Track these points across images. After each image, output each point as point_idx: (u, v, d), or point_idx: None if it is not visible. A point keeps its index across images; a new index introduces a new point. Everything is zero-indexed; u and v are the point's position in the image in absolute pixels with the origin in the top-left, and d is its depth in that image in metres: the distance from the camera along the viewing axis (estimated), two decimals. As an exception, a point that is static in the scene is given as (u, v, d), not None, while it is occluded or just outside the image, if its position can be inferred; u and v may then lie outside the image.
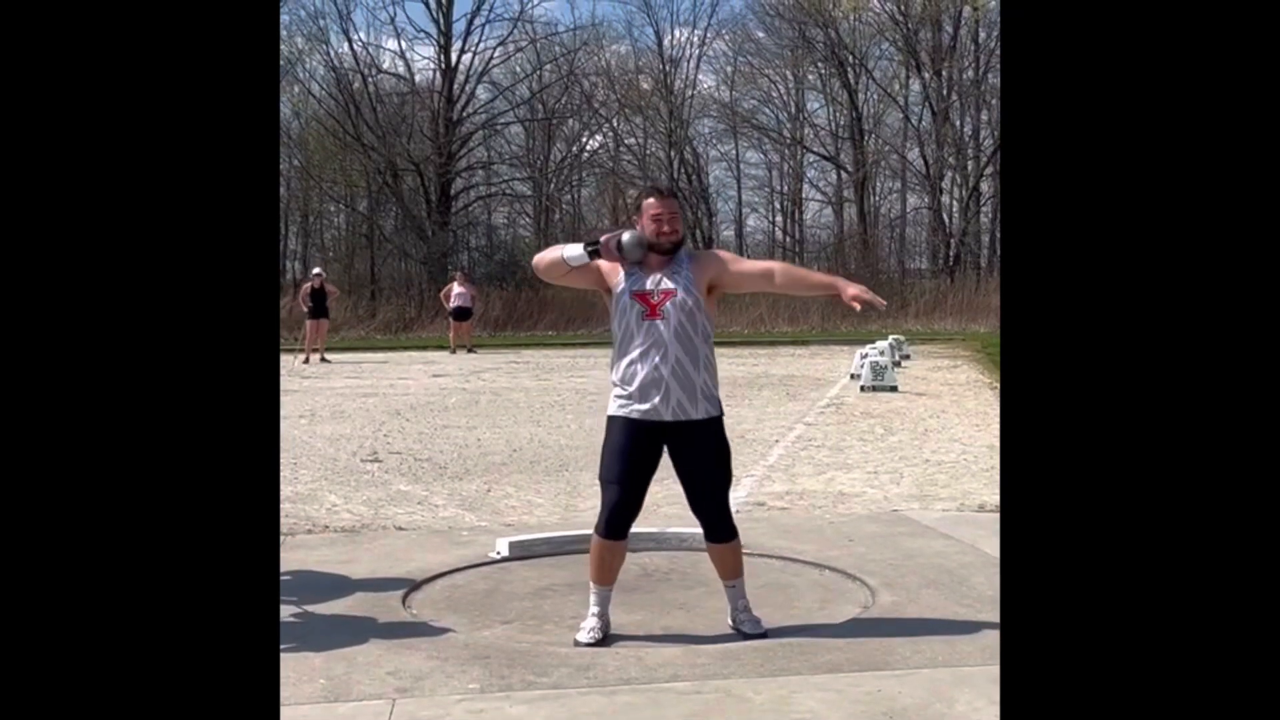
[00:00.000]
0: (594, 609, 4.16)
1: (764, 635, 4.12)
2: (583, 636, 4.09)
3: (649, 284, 4.03)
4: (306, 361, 19.20)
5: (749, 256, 39.71)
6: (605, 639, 4.09)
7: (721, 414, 4.15)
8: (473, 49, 34.36)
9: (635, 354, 4.02)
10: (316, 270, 21.72)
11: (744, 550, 5.38)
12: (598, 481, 4.19)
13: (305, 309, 19.97)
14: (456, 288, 22.63)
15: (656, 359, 3.99)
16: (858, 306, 3.94)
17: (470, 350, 22.32)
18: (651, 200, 4.12)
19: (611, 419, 4.11)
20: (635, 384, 4.02)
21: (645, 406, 4.01)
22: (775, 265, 4.41)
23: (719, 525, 4.17)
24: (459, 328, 22.66)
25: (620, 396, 4.08)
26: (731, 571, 4.23)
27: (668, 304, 4.00)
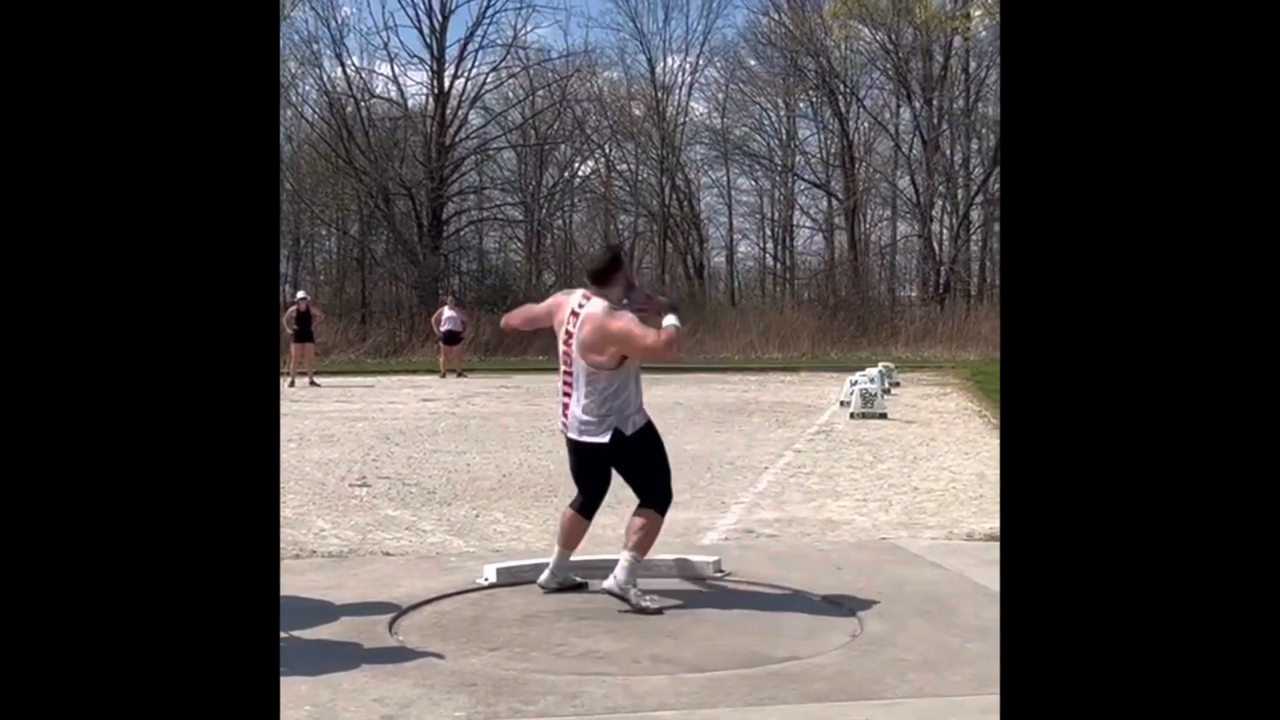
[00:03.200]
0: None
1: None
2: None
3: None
4: (292, 385, 19.13)
5: (740, 285, 39.82)
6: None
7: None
8: (465, 74, 34.51)
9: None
10: (301, 294, 21.66)
11: (733, 577, 5.41)
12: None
13: (290, 332, 19.89)
14: (446, 311, 22.63)
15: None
16: None
17: (460, 375, 22.30)
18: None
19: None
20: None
21: None
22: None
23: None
24: (449, 352, 22.65)
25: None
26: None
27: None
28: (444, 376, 22.03)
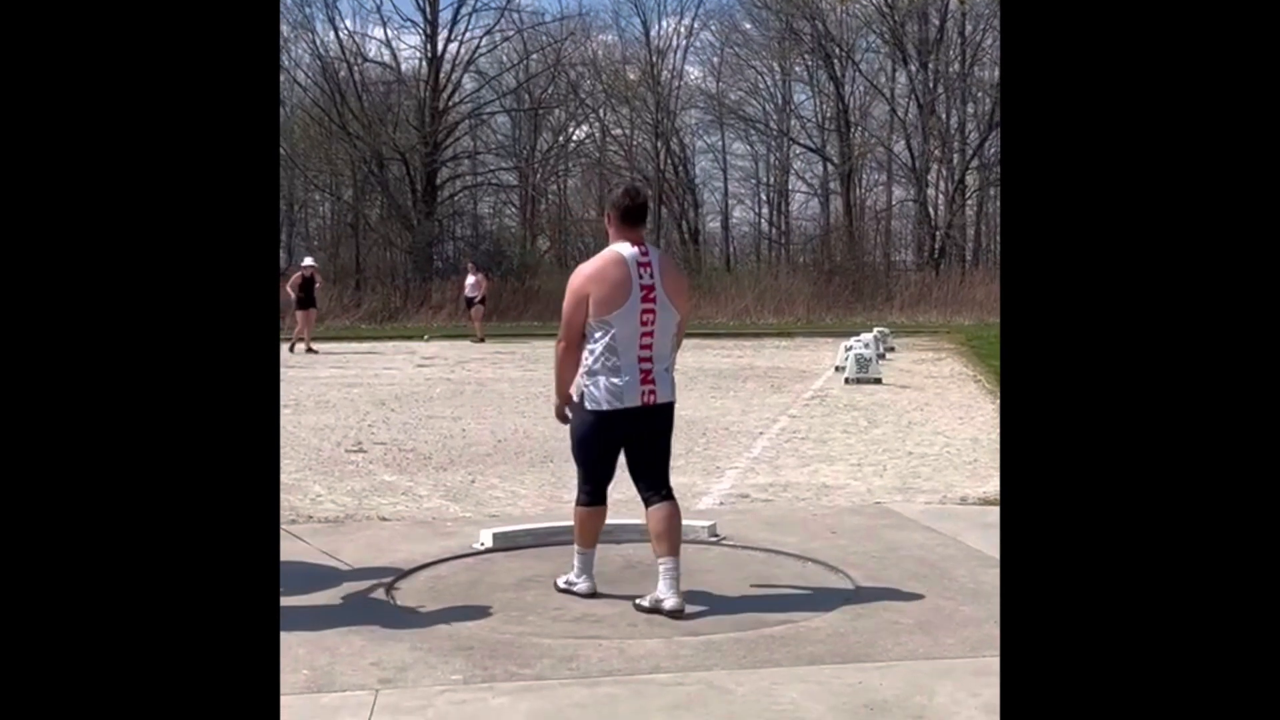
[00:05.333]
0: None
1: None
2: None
3: None
4: (292, 350, 19.10)
5: (735, 250, 39.74)
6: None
7: (581, 401, 4.37)
8: (459, 38, 34.31)
9: None
10: (310, 261, 21.59)
11: (727, 541, 5.43)
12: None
13: (294, 298, 19.87)
14: (469, 278, 23.54)
15: None
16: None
17: (480, 340, 22.54)
18: None
19: None
20: None
21: None
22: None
23: None
24: (469, 316, 23.51)
25: None
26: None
27: None
28: (482, 340, 22.38)
